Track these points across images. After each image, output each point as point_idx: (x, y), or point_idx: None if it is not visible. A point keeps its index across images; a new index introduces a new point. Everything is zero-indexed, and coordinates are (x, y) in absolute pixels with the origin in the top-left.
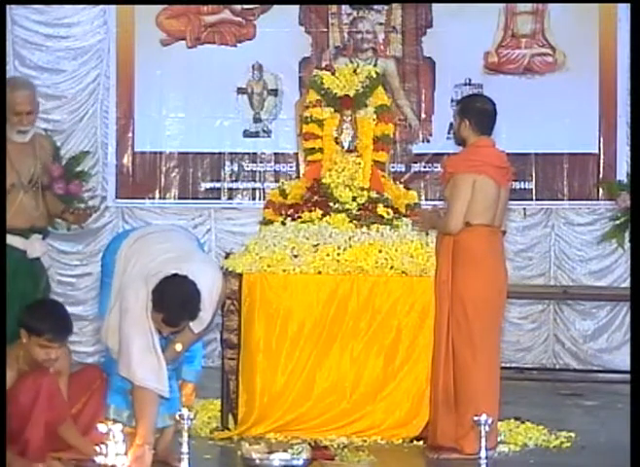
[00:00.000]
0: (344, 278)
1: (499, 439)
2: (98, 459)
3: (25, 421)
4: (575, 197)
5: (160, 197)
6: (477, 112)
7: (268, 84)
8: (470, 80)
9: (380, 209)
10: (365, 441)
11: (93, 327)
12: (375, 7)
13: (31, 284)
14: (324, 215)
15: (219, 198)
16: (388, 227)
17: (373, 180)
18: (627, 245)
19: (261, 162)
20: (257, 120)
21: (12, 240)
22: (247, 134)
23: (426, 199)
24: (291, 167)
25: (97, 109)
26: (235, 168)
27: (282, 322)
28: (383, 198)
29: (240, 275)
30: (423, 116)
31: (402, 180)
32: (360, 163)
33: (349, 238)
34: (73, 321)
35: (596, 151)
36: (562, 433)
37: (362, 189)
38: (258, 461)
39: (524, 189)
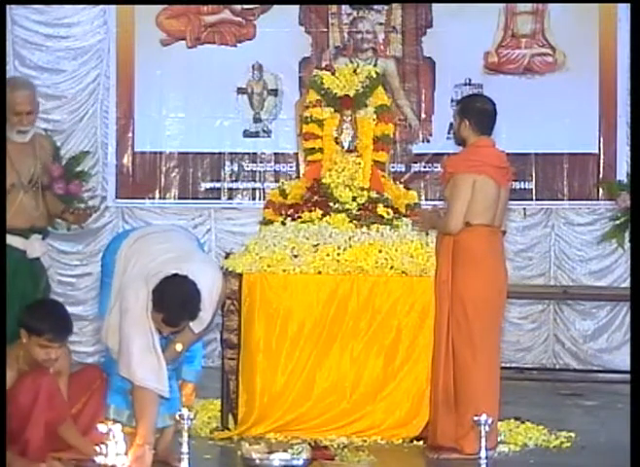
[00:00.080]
0: (344, 278)
1: (499, 439)
2: (98, 459)
3: (25, 421)
4: (575, 197)
5: (159, 197)
6: (477, 112)
7: (268, 84)
8: (470, 80)
9: (380, 209)
10: (365, 441)
11: (93, 327)
12: (375, 7)
13: (31, 284)
14: (324, 215)
15: (219, 198)
16: (388, 227)
17: (373, 180)
18: (627, 245)
19: (261, 162)
20: (257, 120)
21: (12, 240)
22: (247, 134)
23: (426, 199)
24: (291, 167)
25: (97, 109)
26: (235, 168)
27: (282, 322)
28: (383, 198)
29: (240, 275)
30: (423, 116)
31: (402, 180)
32: (360, 163)
33: (349, 238)
34: (73, 321)
35: (596, 151)
36: (562, 433)
37: (362, 189)
38: (258, 461)
39: (524, 189)
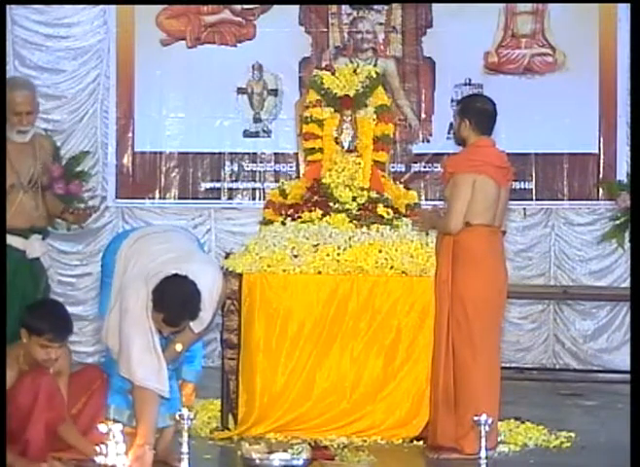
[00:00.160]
0: (344, 278)
1: (499, 439)
2: (98, 459)
3: (26, 421)
4: (575, 197)
5: (160, 198)
6: (477, 112)
7: (268, 84)
8: (470, 80)
9: (380, 209)
10: (365, 441)
11: (93, 327)
12: (375, 7)
13: (31, 284)
14: (324, 215)
15: (219, 198)
16: (388, 227)
17: (373, 180)
18: (627, 245)
19: (261, 162)
20: (257, 120)
21: (11, 240)
22: (247, 134)
23: (426, 199)
24: (291, 167)
25: (97, 109)
26: (235, 168)
27: (282, 322)
28: (383, 198)
29: (240, 275)
30: (423, 116)
31: (402, 180)
32: (360, 163)
33: (349, 238)
34: (73, 321)
35: (596, 151)
36: (562, 433)
37: (362, 189)
38: (258, 461)
39: (524, 189)
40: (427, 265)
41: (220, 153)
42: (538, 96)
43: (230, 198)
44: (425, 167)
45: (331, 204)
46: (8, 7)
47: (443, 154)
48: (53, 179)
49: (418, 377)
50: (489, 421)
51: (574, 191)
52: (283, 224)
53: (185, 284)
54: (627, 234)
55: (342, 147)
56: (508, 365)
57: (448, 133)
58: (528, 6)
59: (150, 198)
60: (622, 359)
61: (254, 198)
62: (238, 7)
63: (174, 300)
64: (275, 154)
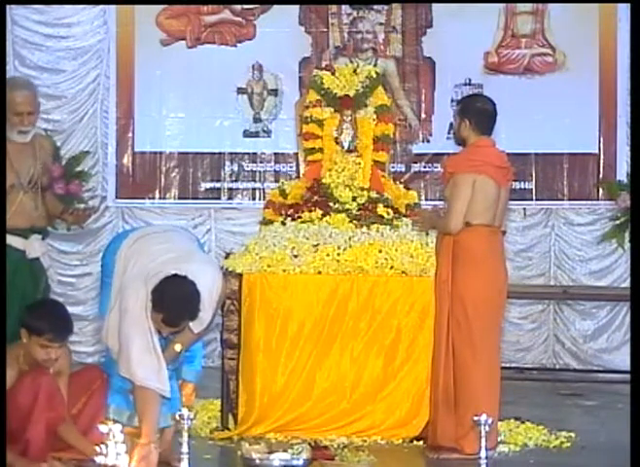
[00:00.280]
0: (344, 278)
1: (499, 439)
2: (98, 459)
3: (26, 421)
4: (575, 197)
5: (160, 198)
6: (477, 112)
7: (268, 84)
8: (470, 80)
9: (380, 209)
10: (365, 441)
11: (93, 327)
12: (375, 7)
13: (31, 284)
14: (324, 215)
15: (219, 198)
16: (388, 227)
17: (373, 180)
18: (627, 245)
19: (261, 162)
20: (257, 120)
21: (11, 240)
22: (247, 134)
23: (426, 199)
24: (291, 167)
25: (97, 109)
26: (235, 168)
27: (282, 322)
28: (383, 198)
29: (240, 275)
30: (423, 116)
31: (402, 180)
32: (360, 163)
33: (349, 238)
34: (73, 321)
35: (596, 151)
36: (562, 433)
37: (362, 189)
38: (258, 461)
39: (524, 189)
40: (427, 265)
41: (220, 153)
42: (538, 96)
43: (230, 198)
44: (425, 167)
45: (331, 204)
46: (8, 7)
47: (443, 154)
48: (53, 179)
49: (418, 377)
50: (489, 421)
51: (574, 191)
52: (283, 224)
53: (184, 284)
54: (627, 234)
55: (342, 147)
56: (508, 365)
57: (448, 133)
58: (528, 6)
59: (150, 198)
60: (622, 359)
61: (254, 198)
62: (238, 7)
63: (174, 300)
64: (275, 154)
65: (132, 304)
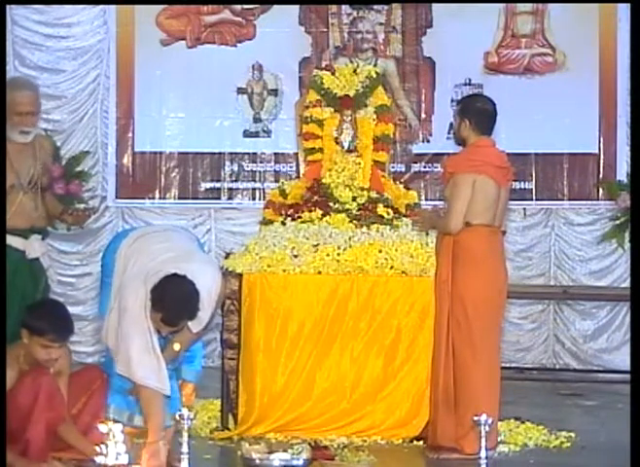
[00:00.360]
0: (344, 278)
1: (499, 439)
2: (98, 459)
3: (26, 421)
4: (575, 197)
5: (160, 197)
6: (477, 112)
7: (268, 84)
8: (470, 80)
9: (380, 209)
10: (365, 441)
11: (93, 327)
12: (375, 7)
13: (31, 284)
14: (324, 215)
15: (219, 198)
16: (388, 227)
17: (373, 180)
18: (627, 245)
19: (261, 162)
20: (257, 120)
21: (11, 241)
22: (247, 134)
23: (426, 199)
24: (291, 167)
25: (97, 109)
26: (235, 168)
27: (282, 322)
28: (383, 198)
29: (240, 275)
30: (423, 116)
31: (402, 180)
32: (360, 163)
33: (349, 238)
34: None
35: (596, 151)
36: (562, 433)
37: (362, 189)
38: (258, 461)
39: (524, 189)
40: (427, 265)
41: (220, 153)
42: (538, 96)
43: (230, 198)
44: (425, 167)
45: (331, 204)
46: (8, 7)
47: (443, 154)
48: (52, 179)
49: (418, 377)
50: (489, 421)
51: (574, 191)
52: (283, 224)
53: (184, 284)
54: (627, 234)
55: (342, 147)
56: (508, 365)
57: (448, 133)
58: (528, 6)
59: (150, 198)
60: (622, 359)
61: (254, 198)
62: (238, 7)
63: (173, 299)
64: (275, 154)
65: (132, 303)
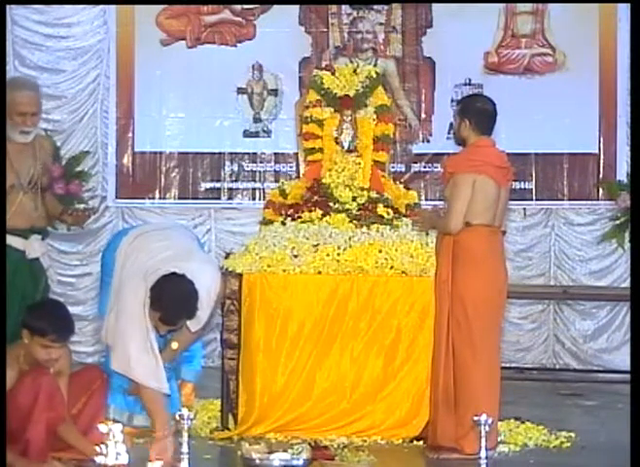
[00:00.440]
0: (344, 278)
1: (499, 439)
2: (98, 459)
3: (26, 421)
4: (575, 197)
5: (160, 197)
6: (477, 112)
7: (268, 84)
8: (470, 80)
9: (380, 209)
10: (365, 441)
11: (93, 327)
12: (375, 7)
13: (30, 284)
14: (324, 215)
15: (219, 198)
16: (388, 227)
17: (373, 180)
18: (627, 245)
19: (261, 162)
20: (257, 120)
21: (11, 241)
22: (247, 134)
23: (426, 199)
24: (291, 167)
25: (97, 109)
26: (235, 168)
27: (282, 322)
28: (383, 198)
29: (240, 275)
30: (423, 116)
31: (402, 180)
32: (360, 163)
33: (349, 238)
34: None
35: (596, 151)
36: (562, 433)
37: (362, 189)
38: (258, 461)
39: (524, 189)
40: (427, 265)
41: (220, 153)
42: (538, 96)
43: (230, 198)
44: (425, 167)
45: (331, 204)
46: (8, 7)
47: (443, 154)
48: (52, 179)
49: (418, 377)
50: (489, 421)
51: (574, 191)
52: (283, 224)
53: (183, 283)
54: (627, 234)
55: (342, 147)
56: (508, 365)
57: (448, 133)
58: (528, 6)
59: (150, 198)
60: (622, 359)
61: (254, 198)
62: (238, 7)
63: (172, 298)
64: (275, 154)
65: (131, 301)
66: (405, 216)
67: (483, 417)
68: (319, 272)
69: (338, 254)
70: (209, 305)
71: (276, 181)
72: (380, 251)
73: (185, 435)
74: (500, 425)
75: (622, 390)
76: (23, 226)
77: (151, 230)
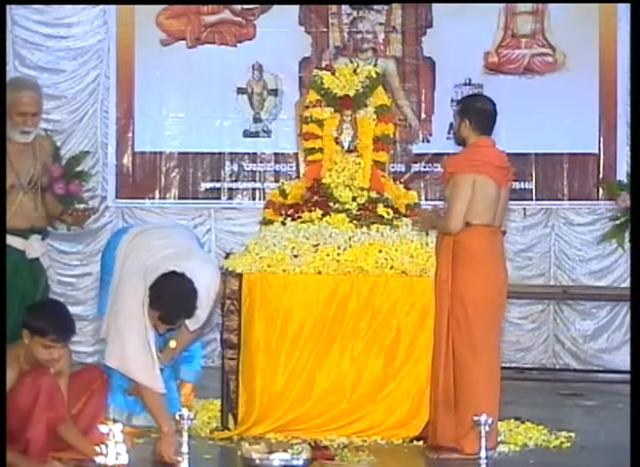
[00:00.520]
0: (344, 278)
1: (499, 439)
2: (98, 459)
3: (26, 421)
4: (575, 197)
5: (160, 198)
6: (477, 112)
7: (268, 84)
8: (470, 80)
9: (380, 209)
10: (365, 441)
11: (93, 327)
12: (375, 7)
13: (30, 284)
14: (324, 215)
15: (219, 198)
16: (388, 227)
17: (373, 180)
18: (627, 245)
19: (261, 162)
20: (257, 120)
21: (11, 241)
22: (247, 134)
23: (426, 199)
24: (291, 167)
25: (97, 109)
26: (235, 168)
27: (282, 322)
28: (383, 198)
29: (240, 275)
30: (423, 116)
31: (402, 180)
32: (360, 163)
33: (349, 238)
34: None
35: (596, 151)
36: (562, 433)
37: (362, 189)
38: (258, 461)
39: (524, 189)
40: (427, 265)
41: (220, 153)
42: (538, 96)
43: (230, 198)
44: (425, 167)
45: (331, 204)
46: (8, 7)
47: (443, 154)
48: (53, 179)
49: (418, 377)
50: (489, 421)
51: (574, 191)
52: (283, 224)
53: (182, 282)
54: (627, 234)
55: (342, 147)
56: (508, 365)
57: (448, 133)
58: (528, 6)
59: (150, 198)
60: (622, 359)
61: (254, 198)
62: (238, 7)
63: (171, 297)
64: (275, 154)
65: (130, 299)
66: (405, 216)
67: (483, 417)
68: (319, 272)
69: (338, 254)
70: (208, 305)
71: (276, 181)
72: (380, 251)
73: (185, 435)
74: (500, 425)
75: (622, 390)
76: (23, 226)
77: (151, 228)
